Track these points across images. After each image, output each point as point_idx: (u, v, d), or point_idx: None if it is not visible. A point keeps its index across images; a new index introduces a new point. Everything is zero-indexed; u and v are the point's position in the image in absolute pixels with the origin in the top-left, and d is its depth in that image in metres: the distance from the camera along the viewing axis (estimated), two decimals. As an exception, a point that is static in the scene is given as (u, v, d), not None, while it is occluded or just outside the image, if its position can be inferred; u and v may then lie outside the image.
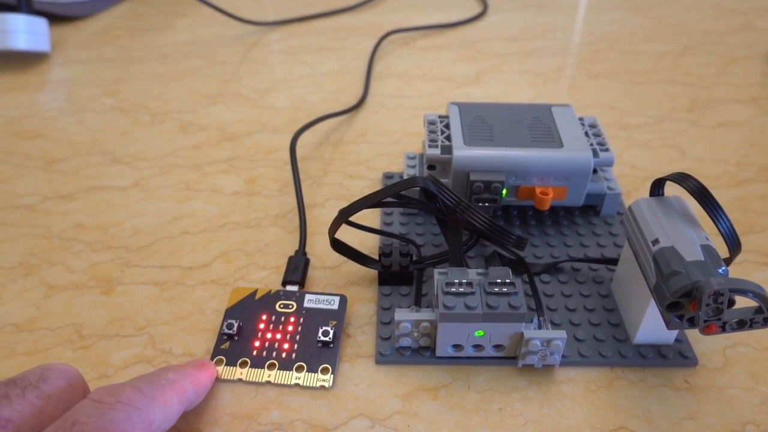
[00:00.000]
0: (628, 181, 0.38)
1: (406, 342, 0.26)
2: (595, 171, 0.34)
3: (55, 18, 0.59)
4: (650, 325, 0.26)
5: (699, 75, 0.50)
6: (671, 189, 0.35)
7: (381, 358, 0.27)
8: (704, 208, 0.24)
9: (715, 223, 0.24)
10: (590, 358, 0.27)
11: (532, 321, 0.26)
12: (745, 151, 0.41)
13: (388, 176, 0.38)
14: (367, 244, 0.33)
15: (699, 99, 0.47)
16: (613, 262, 0.30)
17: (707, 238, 0.24)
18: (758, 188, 0.37)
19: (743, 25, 0.59)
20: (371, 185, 0.38)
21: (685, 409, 0.25)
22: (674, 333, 0.27)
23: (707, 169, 0.39)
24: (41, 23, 0.52)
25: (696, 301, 0.22)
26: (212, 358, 0.27)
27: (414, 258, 0.31)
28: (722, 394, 0.26)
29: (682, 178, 0.24)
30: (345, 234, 0.34)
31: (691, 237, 0.24)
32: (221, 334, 0.27)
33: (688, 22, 0.60)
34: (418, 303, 0.28)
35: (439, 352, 0.26)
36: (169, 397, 0.21)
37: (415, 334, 0.26)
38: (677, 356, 0.27)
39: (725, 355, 0.27)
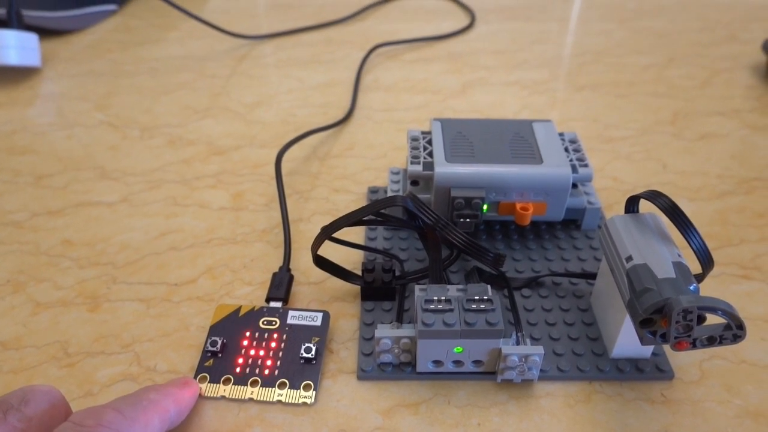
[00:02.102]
0: (610, 194, 0.39)
1: (387, 358, 0.27)
2: (575, 186, 0.34)
3: (46, 32, 0.60)
4: (627, 340, 0.27)
5: (683, 87, 0.51)
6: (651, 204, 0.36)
7: (363, 374, 0.27)
8: (676, 226, 0.24)
9: (687, 240, 0.24)
10: (569, 372, 0.27)
11: (510, 336, 0.26)
12: (726, 164, 0.42)
13: (373, 191, 0.38)
14: (351, 259, 0.34)
15: (682, 111, 0.48)
16: (593, 276, 0.31)
17: (680, 255, 0.24)
18: (738, 201, 0.38)
19: (728, 37, 0.60)
20: (356, 199, 0.38)
21: (660, 422, 0.26)
22: (651, 347, 0.27)
23: (688, 182, 0.40)
24: (32, 38, 0.52)
25: (667, 317, 0.22)
26: (196, 376, 0.27)
27: (397, 273, 0.31)
28: (697, 407, 0.26)
29: (655, 196, 0.25)
30: (330, 249, 0.34)
31: (663, 254, 0.24)
32: (205, 351, 0.28)
33: (673, 34, 0.61)
34: (400, 319, 0.29)
35: (419, 368, 0.27)
36: (150, 418, 0.21)
37: (396, 351, 0.26)
38: (654, 370, 0.27)
39: (701, 368, 0.28)
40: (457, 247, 0.27)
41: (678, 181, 0.40)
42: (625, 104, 0.49)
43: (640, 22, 0.64)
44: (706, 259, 0.24)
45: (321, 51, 0.58)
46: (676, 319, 0.22)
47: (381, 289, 0.30)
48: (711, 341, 0.22)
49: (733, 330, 0.22)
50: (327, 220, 0.36)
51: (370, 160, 0.42)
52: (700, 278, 0.25)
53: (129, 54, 0.58)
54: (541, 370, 0.27)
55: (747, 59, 0.55)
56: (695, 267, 0.27)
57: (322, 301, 0.31)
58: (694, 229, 0.24)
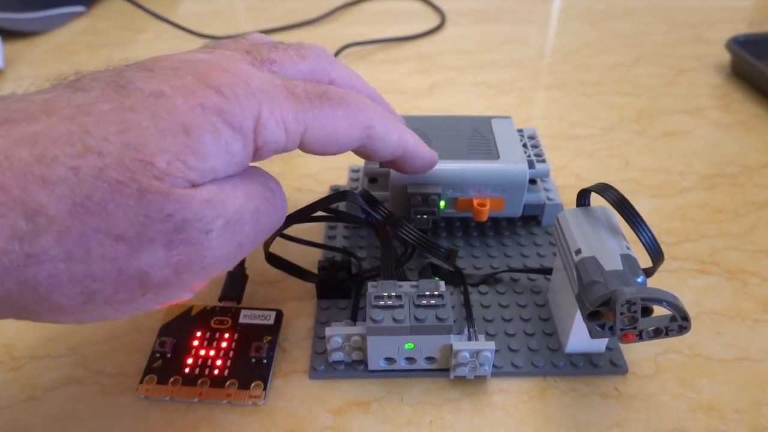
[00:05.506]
0: (573, 191, 0.38)
1: (338, 356, 0.26)
2: (534, 182, 0.34)
3: (10, 34, 0.59)
4: (580, 334, 0.27)
5: (648, 86, 0.52)
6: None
7: (314, 373, 0.27)
8: (625, 219, 0.24)
9: (636, 233, 0.24)
10: (523, 368, 0.27)
11: (462, 333, 0.26)
12: (687, 161, 0.42)
13: (334, 189, 0.38)
14: (310, 258, 0.33)
15: (646, 110, 0.48)
16: (550, 271, 0.31)
17: (628, 248, 0.24)
18: (698, 197, 0.38)
19: (694, 37, 0.61)
20: (318, 198, 0.38)
21: (613, 418, 0.25)
22: (604, 341, 0.27)
23: (650, 179, 0.40)
24: (-7, 40, 0.52)
25: (612, 310, 0.22)
26: (144, 377, 0.26)
27: (354, 271, 0.31)
28: (651, 402, 0.26)
29: (604, 189, 0.25)
30: (289, 248, 0.33)
31: (612, 247, 0.24)
32: (153, 352, 0.27)
33: (640, 35, 0.61)
34: (354, 316, 0.28)
35: (371, 366, 0.26)
36: (397, 130, 0.25)
37: (347, 348, 0.26)
38: (608, 364, 0.27)
39: (656, 362, 0.28)
40: (409, 243, 0.27)
41: (640, 177, 0.40)
42: (591, 103, 0.49)
43: (608, 23, 0.64)
44: (655, 253, 0.24)
45: (290, 52, 0.58)
46: (621, 310, 0.21)
47: (336, 287, 0.30)
48: (657, 333, 0.22)
49: (678, 321, 0.22)
50: (287, 220, 0.36)
51: (333, 159, 0.42)
52: (650, 272, 0.25)
53: (95, 56, 0.57)
54: (495, 366, 0.27)
55: (712, 59, 0.56)
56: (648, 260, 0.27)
57: (278, 300, 0.31)
58: (643, 222, 0.24)
